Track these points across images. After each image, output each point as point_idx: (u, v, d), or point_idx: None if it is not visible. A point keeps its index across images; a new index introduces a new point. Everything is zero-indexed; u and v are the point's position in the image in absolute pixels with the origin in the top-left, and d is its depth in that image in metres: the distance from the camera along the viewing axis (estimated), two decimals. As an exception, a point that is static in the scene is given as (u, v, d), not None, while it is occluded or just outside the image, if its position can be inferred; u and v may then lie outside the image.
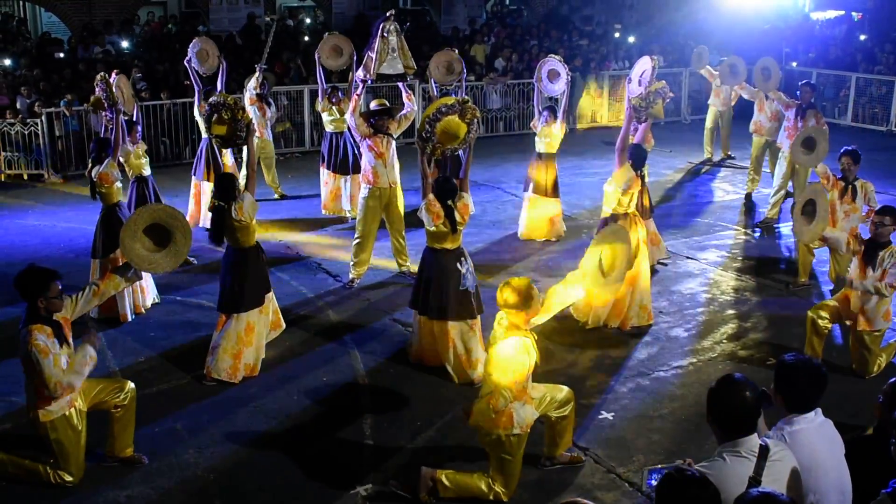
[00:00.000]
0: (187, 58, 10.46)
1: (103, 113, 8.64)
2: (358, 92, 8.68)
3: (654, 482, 3.56)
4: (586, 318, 7.83)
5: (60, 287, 5.25)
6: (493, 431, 5.10)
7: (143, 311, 8.14)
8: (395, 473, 5.53)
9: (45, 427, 5.27)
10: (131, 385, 5.72)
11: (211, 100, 7.24)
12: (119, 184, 7.98)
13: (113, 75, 9.05)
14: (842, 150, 8.48)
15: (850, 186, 8.36)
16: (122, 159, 8.94)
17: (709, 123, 14.40)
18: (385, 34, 8.38)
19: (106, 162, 7.82)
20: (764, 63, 10.97)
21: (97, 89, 8.49)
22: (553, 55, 10.52)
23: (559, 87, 10.20)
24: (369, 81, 8.60)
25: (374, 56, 8.40)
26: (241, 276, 6.77)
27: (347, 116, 8.74)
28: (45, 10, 19.94)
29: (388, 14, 8.54)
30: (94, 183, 7.86)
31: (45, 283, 5.19)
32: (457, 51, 10.78)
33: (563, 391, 5.54)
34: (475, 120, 7.05)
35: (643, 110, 7.73)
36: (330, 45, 11.22)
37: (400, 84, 9.23)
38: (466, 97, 7.30)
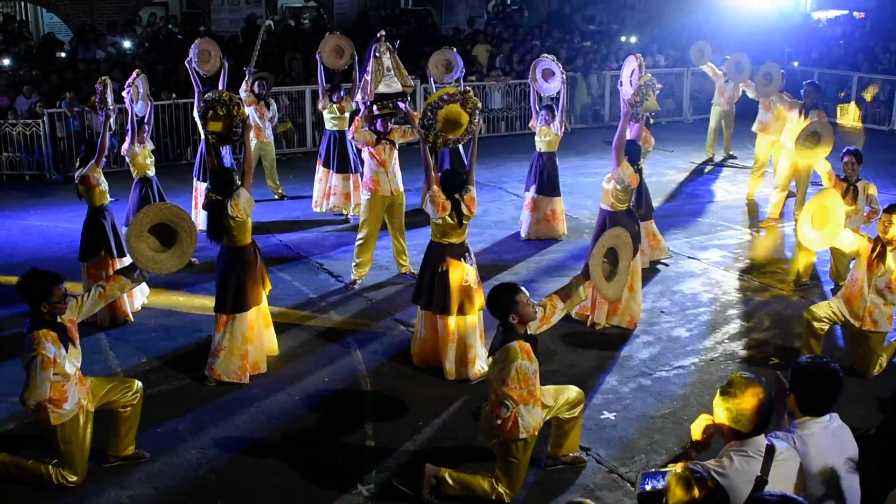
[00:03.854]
0: (188, 58, 10.45)
1: (98, 116, 8.60)
2: (359, 117, 8.63)
3: (647, 487, 3.56)
4: (591, 318, 7.83)
5: (64, 289, 5.23)
6: (500, 436, 5.11)
7: (130, 318, 8.03)
8: (397, 473, 5.53)
9: (55, 429, 5.28)
10: (139, 384, 5.72)
11: (206, 96, 7.20)
12: (104, 186, 7.89)
13: (133, 74, 9.05)
14: (845, 150, 8.45)
15: (852, 187, 8.33)
16: (127, 159, 8.95)
17: (713, 123, 14.39)
18: (377, 55, 8.38)
19: (89, 165, 7.76)
20: (766, 69, 11.04)
21: (96, 91, 8.48)
22: (547, 55, 10.49)
23: (554, 86, 10.17)
24: (369, 103, 8.57)
25: (369, 79, 8.40)
26: (239, 275, 6.76)
27: (348, 133, 8.74)
28: (47, 11, 19.95)
29: (378, 35, 8.55)
30: (77, 187, 7.82)
31: (48, 287, 5.16)
32: (454, 49, 10.74)
33: (573, 392, 5.54)
34: (477, 111, 7.03)
35: (639, 105, 7.78)
36: (331, 44, 11.22)
37: (401, 104, 9.23)
38: (468, 87, 7.25)
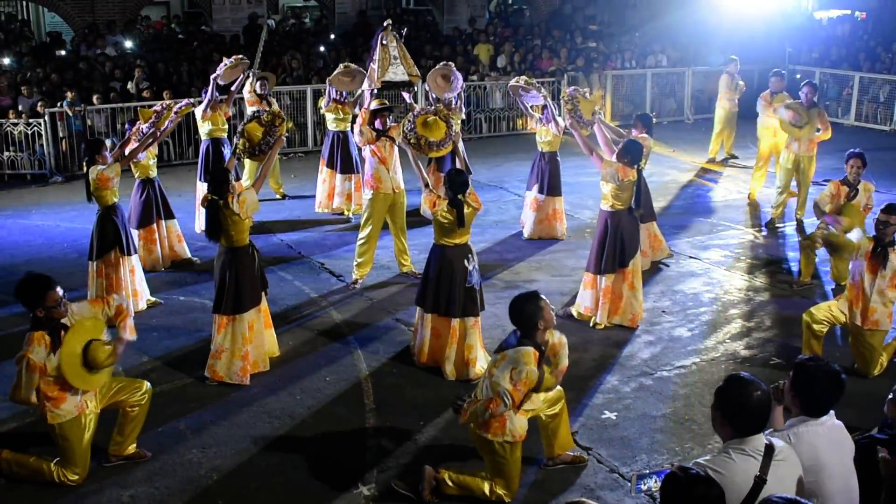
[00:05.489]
0: (215, 73, 10.40)
1: (141, 125, 8.74)
2: (366, 105, 8.62)
3: (642, 487, 3.57)
4: (593, 318, 7.84)
5: (61, 293, 5.21)
6: (483, 434, 5.11)
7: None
8: (398, 473, 5.53)
9: (53, 427, 5.29)
10: (148, 385, 5.74)
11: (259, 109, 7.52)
12: (116, 186, 7.94)
13: (185, 101, 9.37)
14: (851, 153, 8.41)
15: (854, 190, 8.34)
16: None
17: (717, 123, 14.36)
18: (384, 42, 8.38)
19: (110, 165, 7.83)
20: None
21: (160, 107, 8.79)
22: (517, 79, 10.40)
23: (536, 95, 10.10)
24: (375, 92, 8.57)
25: (376, 66, 8.40)
26: (237, 276, 6.76)
27: (354, 128, 8.73)
28: (48, 11, 19.95)
29: (385, 24, 8.56)
30: (90, 184, 7.83)
31: (41, 293, 5.13)
32: (452, 64, 10.68)
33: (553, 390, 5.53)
34: (450, 119, 7.72)
35: (575, 113, 8.35)
36: (341, 72, 11.06)
37: (405, 94, 9.19)
38: (439, 99, 7.73)
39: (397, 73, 8.49)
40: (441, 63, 10.47)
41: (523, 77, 10.34)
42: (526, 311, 5.03)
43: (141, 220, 9.18)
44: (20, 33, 19.40)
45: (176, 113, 8.79)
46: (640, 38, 20.27)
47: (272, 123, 7.18)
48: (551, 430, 5.54)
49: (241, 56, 10.73)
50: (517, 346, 4.99)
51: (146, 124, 8.61)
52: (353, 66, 11.16)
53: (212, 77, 10.39)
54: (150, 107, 9.66)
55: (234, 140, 7.42)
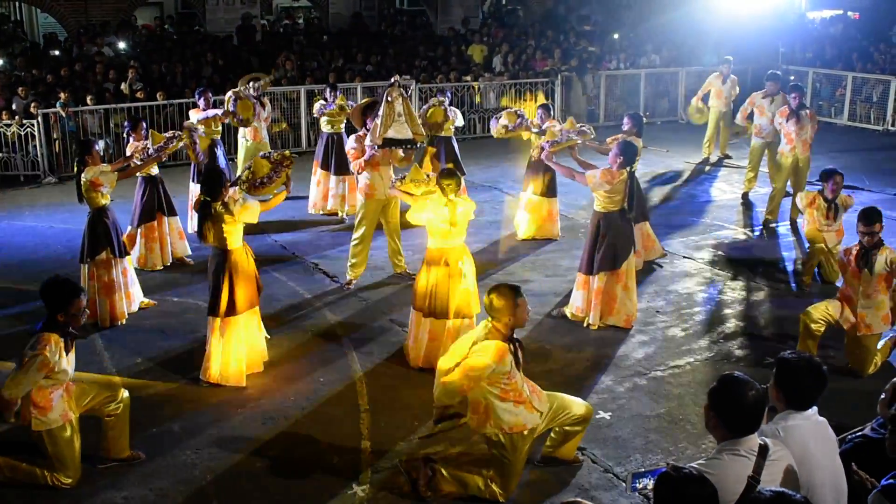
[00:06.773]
0: (226, 108, 10.68)
1: (149, 145, 8.89)
2: (366, 157, 8.50)
3: (637, 485, 3.59)
4: (585, 318, 7.85)
5: (84, 303, 5.27)
6: (481, 430, 5.16)
7: (125, 320, 8.01)
8: (392, 474, 5.53)
9: (39, 434, 5.28)
10: (125, 394, 5.69)
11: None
12: (106, 188, 7.91)
13: (200, 130, 9.60)
14: (830, 171, 8.40)
15: (833, 205, 8.37)
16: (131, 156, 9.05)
17: (711, 124, 14.39)
18: (389, 99, 8.30)
19: (106, 173, 7.82)
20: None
21: (172, 134, 9.06)
22: (499, 130, 10.45)
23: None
24: (376, 149, 8.50)
25: (379, 122, 8.32)
26: (232, 278, 6.75)
27: (358, 174, 8.76)
28: (42, 12, 19.92)
29: (392, 80, 8.49)
30: (81, 186, 7.81)
31: (70, 299, 5.20)
32: (448, 99, 10.85)
33: (583, 408, 5.51)
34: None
35: (546, 146, 8.86)
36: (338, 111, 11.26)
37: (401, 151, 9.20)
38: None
39: (401, 131, 8.40)
40: (439, 100, 10.75)
41: (503, 122, 10.35)
42: (500, 304, 5.04)
43: (142, 216, 9.20)
44: (13, 34, 19.35)
45: (193, 140, 9.07)
46: (634, 38, 20.32)
47: (280, 163, 7.27)
48: (564, 439, 5.55)
49: (254, 99, 11.06)
50: (484, 342, 5.01)
51: (154, 147, 8.72)
52: (348, 108, 11.30)
53: (225, 105, 10.57)
54: (145, 108, 9.71)
55: (239, 172, 7.55)
